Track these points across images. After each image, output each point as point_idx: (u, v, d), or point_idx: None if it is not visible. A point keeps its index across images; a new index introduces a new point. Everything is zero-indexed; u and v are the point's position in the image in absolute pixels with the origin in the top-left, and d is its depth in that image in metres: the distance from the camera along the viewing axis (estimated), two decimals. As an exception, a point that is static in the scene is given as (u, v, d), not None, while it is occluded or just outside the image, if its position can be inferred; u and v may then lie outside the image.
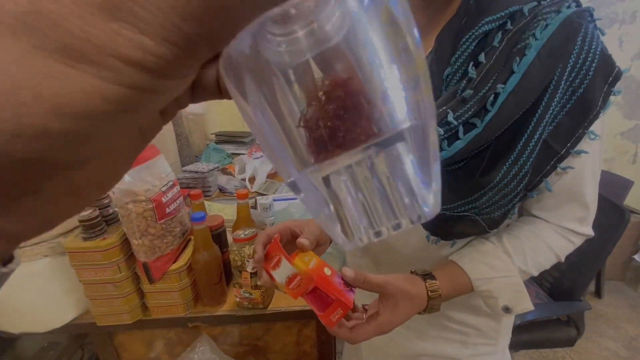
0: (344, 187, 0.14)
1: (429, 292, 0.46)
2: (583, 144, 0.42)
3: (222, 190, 1.37)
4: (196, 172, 1.25)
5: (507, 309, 0.47)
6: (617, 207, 1.09)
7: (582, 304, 1.13)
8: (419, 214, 0.14)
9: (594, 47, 0.38)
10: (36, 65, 0.09)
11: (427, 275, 0.48)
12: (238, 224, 0.80)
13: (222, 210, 1.07)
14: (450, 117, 0.41)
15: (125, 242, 0.67)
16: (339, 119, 0.13)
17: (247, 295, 0.73)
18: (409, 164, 0.14)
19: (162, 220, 0.65)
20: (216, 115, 1.88)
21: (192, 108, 1.61)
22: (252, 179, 1.45)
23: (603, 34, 0.41)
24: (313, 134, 0.14)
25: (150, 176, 0.67)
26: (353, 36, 0.13)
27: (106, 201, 0.67)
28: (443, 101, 0.43)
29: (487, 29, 0.41)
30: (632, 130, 2.02)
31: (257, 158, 1.54)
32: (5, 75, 0.09)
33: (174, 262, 0.70)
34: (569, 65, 0.38)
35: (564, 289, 1.21)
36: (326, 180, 0.14)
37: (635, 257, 1.94)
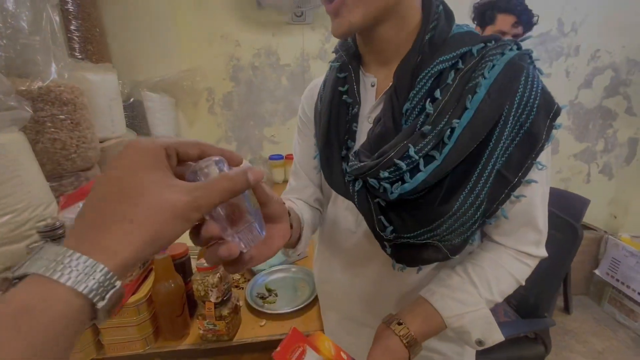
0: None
1: (404, 342, 0.47)
2: (532, 174, 0.45)
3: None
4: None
5: (480, 342, 0.49)
6: (571, 225, 1.16)
7: (546, 320, 1.16)
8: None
9: (535, 86, 0.42)
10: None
11: (399, 324, 0.49)
12: (204, 251, 0.77)
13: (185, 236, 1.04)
14: (411, 152, 0.43)
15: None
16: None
17: (211, 327, 0.70)
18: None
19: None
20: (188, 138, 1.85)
21: (161, 131, 1.59)
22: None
23: (542, 74, 0.46)
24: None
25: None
26: None
27: (60, 231, 0.64)
28: (404, 135, 0.45)
29: (441, 67, 0.45)
30: (583, 152, 2.18)
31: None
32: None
33: (132, 294, 0.66)
34: (515, 102, 0.42)
35: (530, 306, 1.25)
36: None
37: (596, 271, 2.04)
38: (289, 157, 1.86)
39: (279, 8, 1.70)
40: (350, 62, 0.56)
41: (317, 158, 0.61)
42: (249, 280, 0.94)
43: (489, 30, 1.24)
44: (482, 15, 1.26)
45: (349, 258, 0.63)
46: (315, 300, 0.84)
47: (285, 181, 1.88)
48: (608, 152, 2.20)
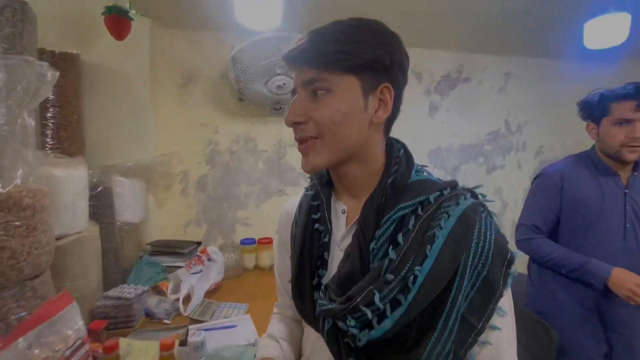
0: None
1: None
2: (496, 320, 0.46)
3: (149, 315, 1.20)
4: (120, 298, 1.10)
5: None
6: (546, 328, 1.15)
7: None
8: None
9: (488, 237, 0.46)
10: None
11: None
12: (159, 382, 0.68)
13: (145, 352, 0.91)
14: (376, 299, 0.43)
15: None
16: None
17: None
18: None
19: (56, 400, 0.52)
20: (155, 222, 1.77)
21: (128, 217, 1.51)
22: (187, 299, 1.31)
23: (495, 216, 0.50)
24: None
25: (55, 335, 0.56)
26: None
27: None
28: (370, 279, 0.46)
29: (402, 213, 0.48)
30: (543, 236, 2.31)
31: (195, 273, 1.42)
32: None
33: None
34: (471, 252, 0.45)
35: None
36: None
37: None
38: (262, 242, 1.81)
39: (259, 103, 1.83)
40: (322, 190, 0.60)
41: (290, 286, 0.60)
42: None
43: (606, 123, 1.15)
44: (592, 110, 1.20)
45: None
46: None
47: (257, 267, 1.80)
48: (565, 236, 2.34)
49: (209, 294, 1.41)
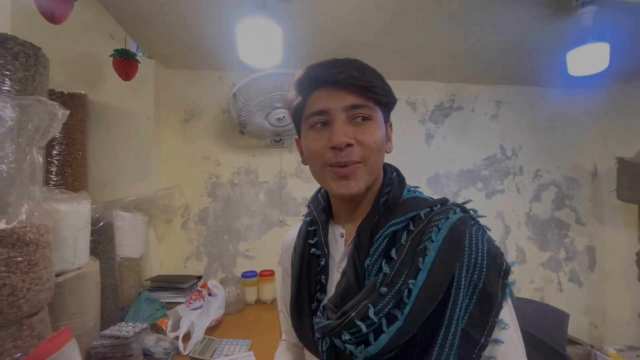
0: None
1: None
2: (498, 333, 0.45)
3: (147, 355, 1.15)
4: (117, 337, 1.06)
5: None
6: (558, 354, 1.11)
7: None
8: None
9: (480, 248, 0.46)
10: None
11: None
12: None
13: (142, 394, 0.87)
14: (371, 313, 0.43)
15: None
16: None
17: None
18: None
19: None
20: (155, 257, 1.75)
21: (128, 252, 1.49)
22: (187, 336, 1.27)
23: (488, 230, 0.50)
24: None
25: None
26: None
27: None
28: (365, 294, 0.46)
29: (394, 229, 0.50)
30: (549, 261, 2.28)
31: (196, 309, 1.39)
32: None
33: None
34: (464, 264, 0.45)
35: None
36: None
37: (594, 395, 1.89)
38: (263, 274, 1.77)
39: (260, 136, 1.88)
40: (319, 215, 0.61)
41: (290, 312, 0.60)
42: None
43: None
44: None
45: None
46: None
47: (259, 301, 1.75)
48: (571, 260, 2.31)
49: (210, 330, 1.36)
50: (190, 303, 1.42)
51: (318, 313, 0.52)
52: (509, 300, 0.46)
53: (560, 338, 1.54)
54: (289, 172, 2.00)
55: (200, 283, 1.63)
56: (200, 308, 1.39)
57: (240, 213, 1.93)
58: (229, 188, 1.93)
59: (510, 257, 2.22)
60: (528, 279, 2.24)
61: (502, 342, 0.45)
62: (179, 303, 1.46)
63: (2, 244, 0.71)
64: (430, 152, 2.17)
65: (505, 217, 2.25)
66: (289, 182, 2.00)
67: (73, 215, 1.00)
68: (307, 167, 2.08)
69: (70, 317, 1.00)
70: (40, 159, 0.83)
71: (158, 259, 1.77)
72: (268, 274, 1.77)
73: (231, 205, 1.93)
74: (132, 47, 1.56)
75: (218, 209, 1.91)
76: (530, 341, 1.16)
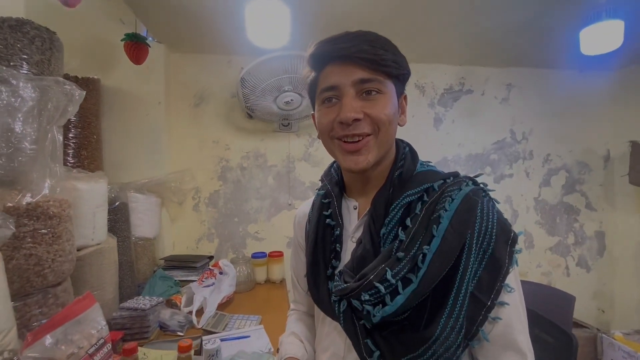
0: None
1: None
2: (504, 297, 0.48)
3: (163, 328, 1.21)
4: (135, 309, 1.12)
5: None
6: (564, 332, 1.13)
7: None
8: None
9: (490, 217, 0.48)
10: None
11: None
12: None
13: (160, 360, 0.92)
14: (388, 275, 0.46)
15: None
16: None
17: None
18: None
19: (81, 394, 0.54)
20: (169, 237, 1.81)
21: (142, 232, 1.55)
22: (200, 312, 1.32)
23: (498, 203, 0.52)
24: None
25: (79, 334, 0.59)
26: None
27: (12, 370, 0.56)
28: (382, 259, 0.49)
29: (409, 200, 0.52)
30: (557, 245, 2.27)
31: (208, 286, 1.44)
32: None
33: None
34: (475, 231, 0.47)
35: None
36: None
37: (599, 376, 1.91)
38: (272, 255, 1.82)
39: (268, 119, 1.89)
40: (332, 188, 0.64)
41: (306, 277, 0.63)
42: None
43: None
44: None
45: None
46: None
47: (267, 281, 1.80)
48: (580, 245, 2.30)
49: (221, 307, 1.42)
50: (203, 281, 1.47)
51: (335, 278, 0.55)
52: (515, 266, 0.49)
53: (566, 320, 1.55)
54: (297, 157, 2.02)
55: (212, 263, 1.68)
56: (212, 285, 1.45)
57: (249, 196, 1.97)
58: (238, 172, 1.97)
59: (518, 241, 2.22)
60: (535, 263, 2.25)
61: (508, 304, 0.48)
62: (192, 281, 1.52)
63: (28, 216, 0.76)
64: (438, 136, 2.16)
65: (513, 202, 2.24)
66: (297, 166, 2.02)
67: (91, 193, 1.04)
68: (315, 151, 2.10)
69: (90, 289, 1.06)
70: (61, 138, 0.87)
71: (171, 240, 1.84)
72: (277, 255, 1.81)
73: (241, 189, 1.97)
74: (142, 31, 1.58)
75: (228, 192, 1.95)
76: (537, 321, 1.18)
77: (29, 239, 0.76)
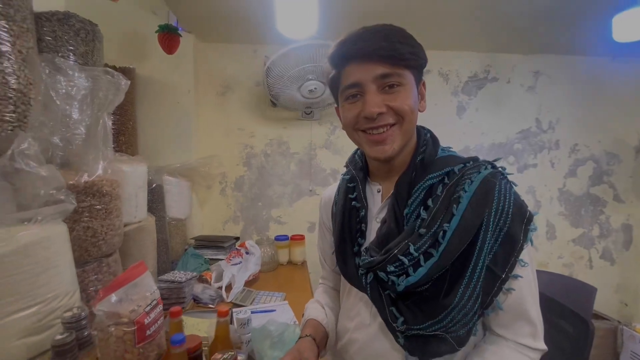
0: None
1: None
2: (518, 270, 0.52)
3: (196, 300, 1.32)
4: (172, 281, 1.23)
5: None
6: (583, 320, 1.15)
7: None
8: None
9: (507, 198, 0.52)
10: None
11: None
12: (216, 345, 0.77)
13: (197, 327, 1.02)
14: (411, 249, 0.52)
15: (95, 370, 0.63)
16: None
17: None
18: None
19: (141, 344, 0.63)
20: (197, 219, 1.92)
21: (175, 213, 1.66)
22: (228, 288, 1.42)
23: (515, 185, 0.56)
24: None
25: (137, 295, 0.67)
26: None
27: (84, 322, 0.65)
28: (405, 235, 0.54)
29: (431, 182, 0.57)
30: (581, 237, 2.24)
31: (235, 264, 1.54)
32: None
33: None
34: (492, 211, 0.51)
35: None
36: None
37: (618, 367, 1.90)
38: (294, 238, 1.90)
39: (291, 107, 1.95)
40: (357, 174, 0.69)
41: (334, 254, 0.69)
42: (256, 376, 0.90)
43: None
44: None
45: (363, 352, 0.64)
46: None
47: (290, 262, 1.89)
48: (605, 238, 2.25)
49: (248, 284, 1.52)
50: (230, 259, 1.57)
51: (361, 254, 0.61)
52: (529, 243, 0.53)
53: (586, 311, 1.55)
54: (318, 144, 2.07)
55: (238, 243, 1.78)
56: (239, 264, 1.54)
57: (272, 182, 2.05)
58: (262, 158, 2.04)
59: (539, 232, 2.21)
60: (557, 254, 2.23)
61: (521, 277, 0.53)
62: (220, 259, 1.62)
63: (86, 193, 0.85)
64: (461, 125, 2.15)
65: (536, 192, 2.21)
66: (319, 154, 2.07)
67: (134, 174, 1.14)
68: (336, 139, 2.14)
69: (134, 262, 1.17)
70: (110, 124, 0.96)
71: (200, 221, 1.95)
72: (299, 238, 1.89)
73: (264, 175, 2.05)
74: (172, 21, 1.66)
75: (253, 177, 2.04)
76: (556, 309, 1.20)
77: (87, 214, 0.86)
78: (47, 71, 0.82)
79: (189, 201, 1.75)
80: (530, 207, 1.97)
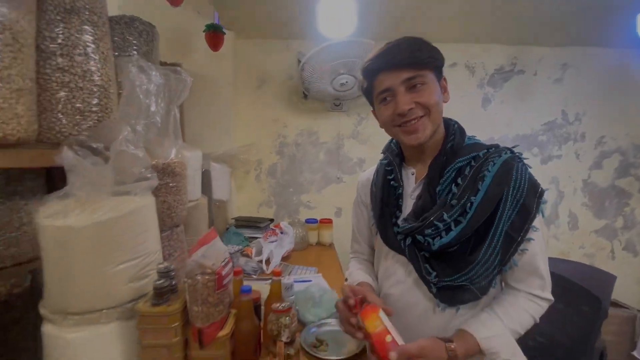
0: None
1: (448, 350, 0.62)
2: (531, 234, 0.65)
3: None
4: (223, 253, 1.41)
5: None
6: (596, 298, 1.24)
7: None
8: None
9: (523, 176, 0.65)
10: None
11: (447, 340, 0.65)
12: (271, 299, 0.93)
13: (248, 289, 1.19)
14: (445, 217, 0.65)
15: (184, 310, 0.80)
16: None
17: (279, 364, 0.83)
18: None
19: (219, 290, 0.79)
20: (235, 202, 2.11)
21: (219, 195, 1.85)
22: (267, 261, 1.60)
23: (530, 168, 0.68)
24: None
25: (214, 253, 0.84)
26: None
27: (173, 273, 0.83)
28: (439, 206, 0.68)
29: (460, 165, 0.69)
30: (604, 228, 2.27)
31: (272, 242, 1.71)
32: None
33: (221, 329, 0.82)
34: (511, 187, 0.64)
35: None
36: None
37: (634, 353, 1.96)
38: (323, 222, 2.05)
39: (321, 100, 2.08)
40: (394, 158, 0.82)
41: (374, 226, 0.83)
42: (300, 330, 1.06)
43: None
44: None
45: (399, 304, 0.78)
46: (363, 351, 0.95)
47: (319, 243, 2.05)
48: (629, 230, 2.27)
49: (283, 259, 1.69)
50: (267, 238, 1.74)
51: (399, 223, 0.74)
52: (540, 213, 0.65)
53: (603, 295, 1.62)
54: (346, 135, 2.20)
55: (273, 224, 1.96)
56: (275, 242, 1.71)
57: (303, 169, 2.20)
58: (294, 147, 2.19)
59: (561, 222, 2.26)
60: (578, 244, 2.27)
61: (533, 240, 0.65)
62: (257, 237, 1.80)
63: (163, 172, 1.03)
64: (486, 116, 2.22)
65: (560, 183, 2.25)
66: (346, 144, 2.20)
67: (192, 159, 1.31)
68: (363, 130, 2.28)
69: (192, 234, 1.35)
70: (179, 115, 1.12)
71: (237, 204, 2.14)
72: (327, 222, 2.04)
73: (295, 162, 2.20)
74: (215, 20, 1.81)
75: (285, 165, 2.20)
76: (573, 289, 1.27)
77: (163, 190, 1.03)
78: (134, 70, 0.99)
79: (229, 185, 1.93)
80: (553, 197, 2.04)
